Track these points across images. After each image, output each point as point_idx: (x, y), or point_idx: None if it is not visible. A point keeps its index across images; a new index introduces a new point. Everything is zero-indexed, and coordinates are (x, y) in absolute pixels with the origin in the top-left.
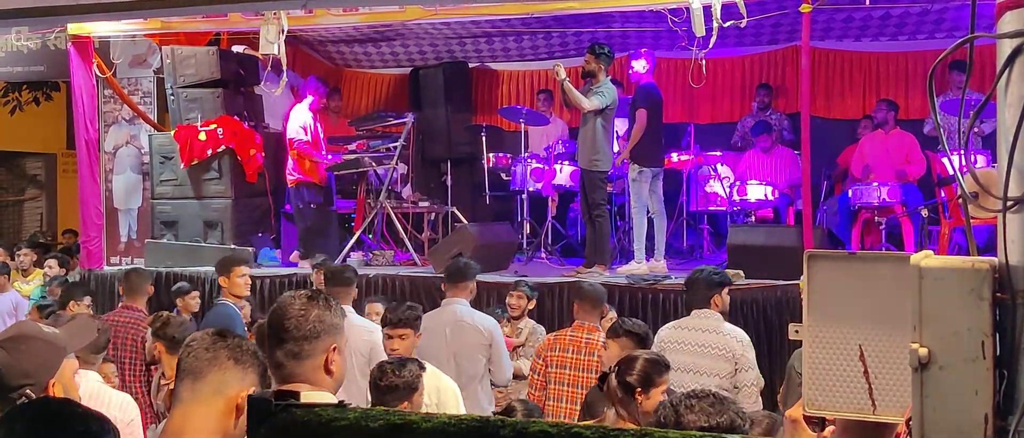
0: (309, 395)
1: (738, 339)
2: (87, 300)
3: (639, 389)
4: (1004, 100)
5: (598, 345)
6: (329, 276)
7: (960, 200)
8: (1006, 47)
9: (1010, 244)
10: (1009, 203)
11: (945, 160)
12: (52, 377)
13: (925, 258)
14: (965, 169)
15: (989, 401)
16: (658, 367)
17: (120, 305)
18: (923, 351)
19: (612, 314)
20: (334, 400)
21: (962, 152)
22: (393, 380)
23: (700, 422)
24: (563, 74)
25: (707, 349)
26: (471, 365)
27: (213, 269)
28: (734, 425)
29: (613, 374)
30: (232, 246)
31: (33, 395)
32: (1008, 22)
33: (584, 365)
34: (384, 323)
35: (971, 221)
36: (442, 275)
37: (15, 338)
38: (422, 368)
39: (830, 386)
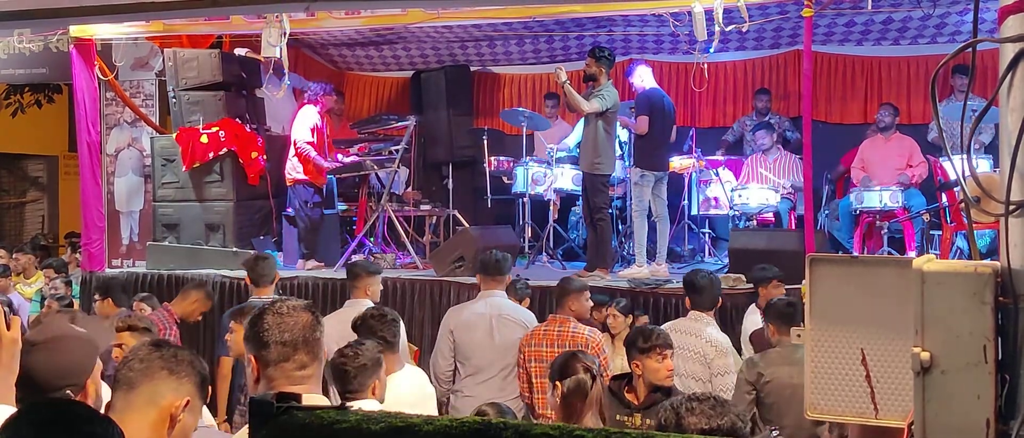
0: (310, 398)
1: (713, 343)
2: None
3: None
4: (1007, 104)
5: (574, 335)
6: (347, 271)
7: (962, 204)
8: (1008, 51)
9: (1012, 248)
10: (1011, 207)
11: (947, 164)
12: (89, 376)
13: (927, 262)
14: (967, 173)
15: (991, 405)
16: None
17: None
18: (925, 355)
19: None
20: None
21: (965, 156)
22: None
23: (701, 425)
24: (564, 77)
25: (682, 351)
26: (514, 358)
27: (218, 271)
28: (735, 428)
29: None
30: (234, 249)
31: (73, 395)
32: (1010, 27)
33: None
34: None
35: (975, 225)
36: (442, 276)
37: (53, 339)
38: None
39: (832, 390)
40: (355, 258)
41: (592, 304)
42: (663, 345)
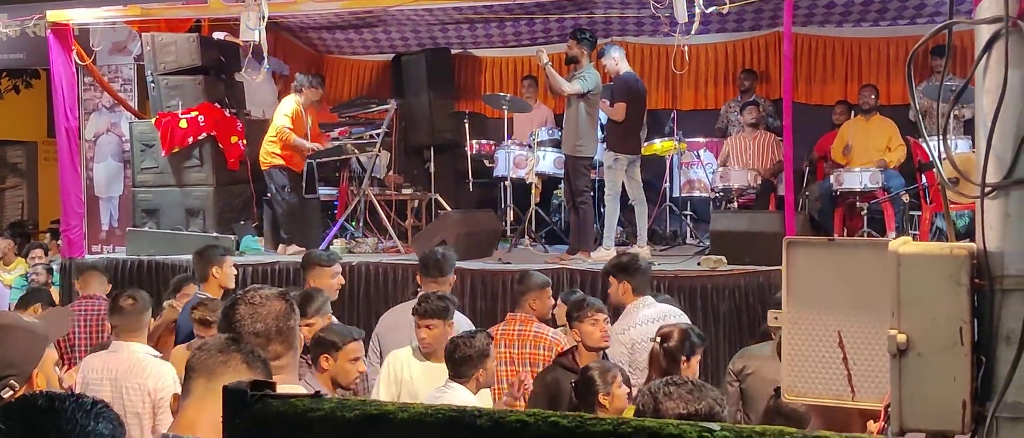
0: (285, 388)
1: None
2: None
3: (683, 358)
4: (982, 86)
5: (536, 336)
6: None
7: (940, 186)
8: (984, 33)
9: (988, 230)
10: (987, 189)
11: (926, 145)
12: (35, 367)
13: (904, 244)
14: (948, 154)
15: (967, 387)
16: (692, 336)
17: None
18: (901, 337)
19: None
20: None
21: (941, 137)
22: (466, 351)
23: (679, 409)
24: (546, 59)
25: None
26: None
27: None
28: (713, 412)
29: (656, 343)
30: (215, 234)
31: (17, 385)
32: (986, 8)
33: (514, 357)
34: (414, 313)
35: (952, 206)
36: (420, 267)
37: None
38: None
39: (809, 373)
40: (336, 243)
41: (554, 303)
42: (595, 309)
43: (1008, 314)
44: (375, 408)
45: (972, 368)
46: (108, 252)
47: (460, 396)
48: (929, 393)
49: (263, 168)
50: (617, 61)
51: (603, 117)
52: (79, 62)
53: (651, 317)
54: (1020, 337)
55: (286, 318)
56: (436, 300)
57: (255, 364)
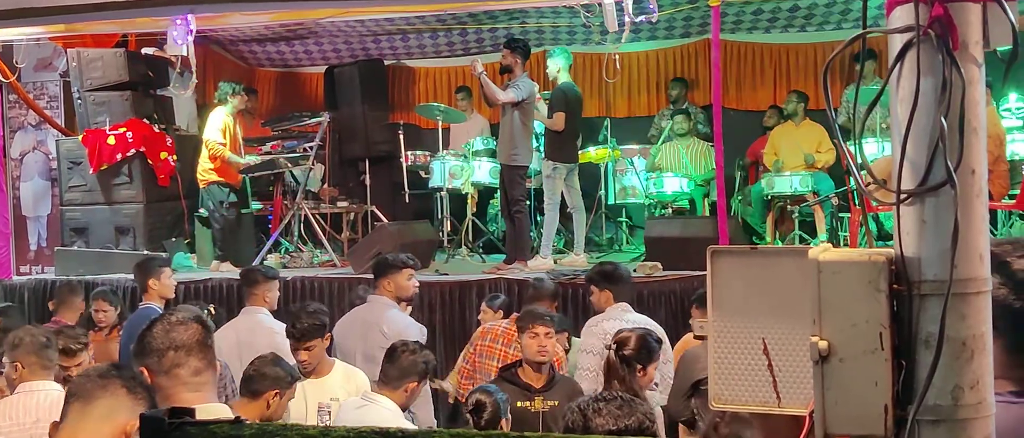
0: (206, 408)
1: (657, 330)
2: None
3: (639, 366)
4: (896, 95)
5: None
6: (243, 277)
7: (859, 193)
8: (896, 42)
9: (905, 236)
10: (902, 196)
11: (853, 148)
12: None
13: (824, 252)
14: (863, 161)
15: (888, 391)
16: (650, 342)
17: (51, 320)
18: (823, 344)
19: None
20: (230, 415)
21: (857, 144)
22: (409, 358)
23: (608, 425)
24: (480, 68)
25: None
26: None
27: (129, 276)
28: (643, 427)
29: (611, 351)
30: (146, 252)
31: None
32: (898, 17)
33: (510, 358)
34: (289, 336)
35: (882, 209)
36: (360, 273)
37: None
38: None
39: (736, 380)
40: (270, 258)
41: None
42: (540, 322)
43: (926, 318)
44: (297, 433)
45: (893, 372)
46: (37, 273)
47: (383, 409)
48: (851, 398)
49: (201, 185)
50: (560, 69)
51: (539, 126)
52: (2, 80)
53: (629, 320)
54: (938, 340)
55: (204, 336)
56: (307, 318)
57: (136, 390)
